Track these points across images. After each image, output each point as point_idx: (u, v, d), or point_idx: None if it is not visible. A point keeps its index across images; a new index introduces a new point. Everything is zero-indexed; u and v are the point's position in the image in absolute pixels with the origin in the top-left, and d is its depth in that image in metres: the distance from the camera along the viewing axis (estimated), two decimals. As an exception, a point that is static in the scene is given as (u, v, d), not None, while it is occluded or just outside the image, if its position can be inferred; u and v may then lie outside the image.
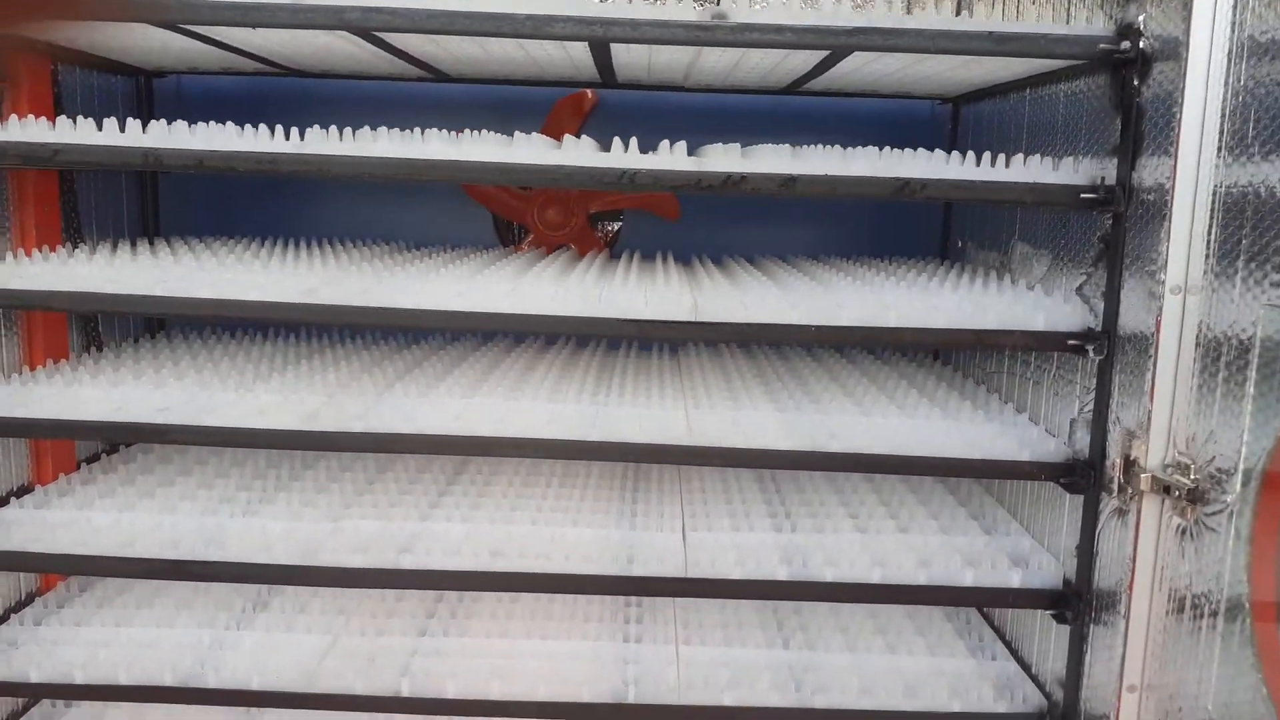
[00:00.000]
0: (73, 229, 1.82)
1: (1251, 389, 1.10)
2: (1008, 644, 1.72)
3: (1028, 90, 1.72)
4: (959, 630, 1.77)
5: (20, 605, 1.73)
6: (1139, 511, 1.25)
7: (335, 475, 1.83)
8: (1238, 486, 1.11)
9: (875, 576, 1.51)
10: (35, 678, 1.50)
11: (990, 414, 1.64)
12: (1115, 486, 1.31)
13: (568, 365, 1.92)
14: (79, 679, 1.49)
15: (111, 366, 1.74)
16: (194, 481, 1.77)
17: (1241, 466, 1.11)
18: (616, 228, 2.30)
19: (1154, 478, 1.22)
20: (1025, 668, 1.64)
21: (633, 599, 1.81)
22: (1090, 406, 1.40)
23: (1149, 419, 1.23)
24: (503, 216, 2.28)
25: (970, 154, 1.45)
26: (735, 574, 1.52)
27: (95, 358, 1.84)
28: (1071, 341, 1.39)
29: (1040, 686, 1.57)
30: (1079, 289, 1.45)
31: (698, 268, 1.96)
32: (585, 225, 2.23)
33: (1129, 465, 1.26)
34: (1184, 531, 1.21)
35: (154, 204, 2.13)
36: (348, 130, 1.47)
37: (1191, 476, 1.18)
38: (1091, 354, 1.37)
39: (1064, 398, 1.53)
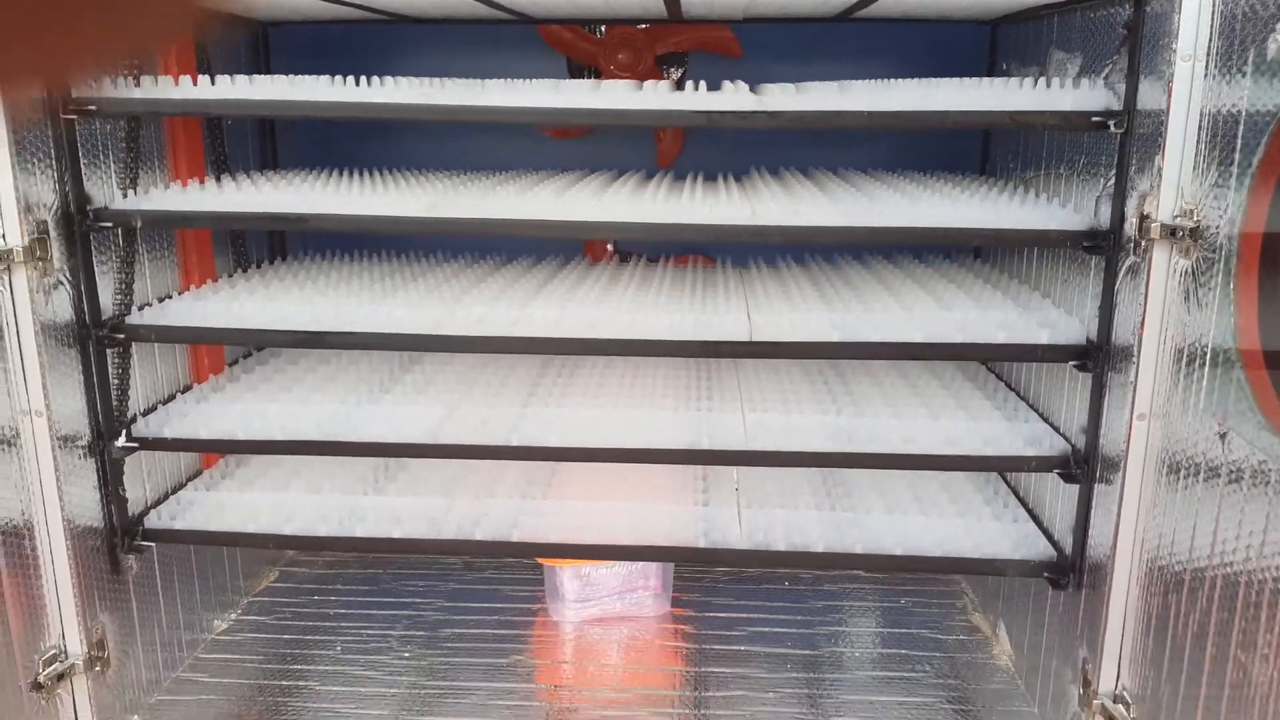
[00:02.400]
0: (220, 163, 2.13)
1: (1237, 155, 1.35)
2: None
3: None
4: (986, 497, 2.05)
5: (190, 478, 2.09)
6: (1150, 259, 1.50)
7: (431, 376, 2.14)
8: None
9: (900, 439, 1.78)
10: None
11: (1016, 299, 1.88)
12: (1131, 245, 1.55)
13: (645, 278, 2.19)
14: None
15: (262, 284, 2.05)
16: (320, 377, 2.10)
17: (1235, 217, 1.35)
18: (681, 74, 2.51)
19: (1162, 225, 1.47)
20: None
21: (702, 469, 2.12)
22: (1111, 183, 1.62)
23: (1160, 178, 1.46)
24: (576, 60, 2.49)
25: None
26: (788, 447, 1.81)
27: (242, 277, 2.15)
28: (1095, 119, 1.58)
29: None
30: (1105, 76, 1.65)
31: (757, 181, 2.20)
32: (653, 67, 2.46)
33: (1143, 221, 1.50)
34: (1187, 274, 1.46)
35: (273, 142, 2.43)
36: (439, 80, 1.74)
37: (1194, 219, 1.44)
38: (1112, 128, 1.57)
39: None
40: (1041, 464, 1.75)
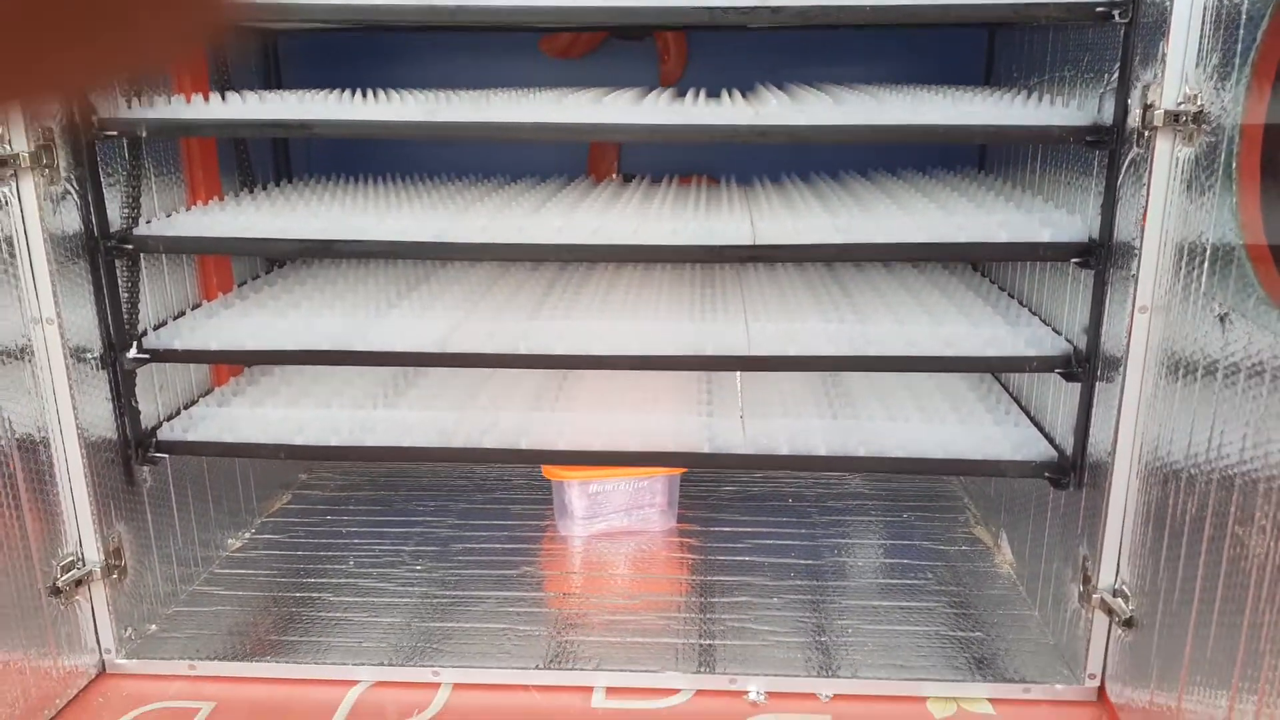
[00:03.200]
0: (224, 83, 2.13)
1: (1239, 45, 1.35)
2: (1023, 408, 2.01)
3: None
4: (987, 405, 2.07)
5: (201, 395, 2.12)
6: (1153, 149, 1.50)
7: (439, 293, 2.15)
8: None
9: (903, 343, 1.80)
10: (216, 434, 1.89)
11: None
12: (1134, 136, 1.55)
13: (649, 194, 2.19)
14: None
15: (268, 201, 2.06)
16: (329, 295, 2.10)
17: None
18: None
19: (1166, 112, 1.48)
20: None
21: (706, 376, 2.14)
22: (1115, 79, 1.61)
23: (1164, 65, 1.47)
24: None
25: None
26: (790, 351, 1.82)
27: (249, 196, 2.16)
28: (1099, 9, 1.58)
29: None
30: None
31: (762, 92, 2.20)
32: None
33: (1146, 111, 1.50)
34: (1190, 163, 1.47)
35: (277, 64, 2.43)
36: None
37: (1197, 104, 1.45)
38: (1117, 18, 1.57)
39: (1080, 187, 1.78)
40: (1043, 364, 1.77)
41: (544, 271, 2.26)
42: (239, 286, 2.20)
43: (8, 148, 1.52)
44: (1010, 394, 2.14)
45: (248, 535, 2.28)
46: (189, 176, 2.03)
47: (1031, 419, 1.99)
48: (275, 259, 2.35)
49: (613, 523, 2.33)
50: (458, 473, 2.61)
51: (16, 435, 1.60)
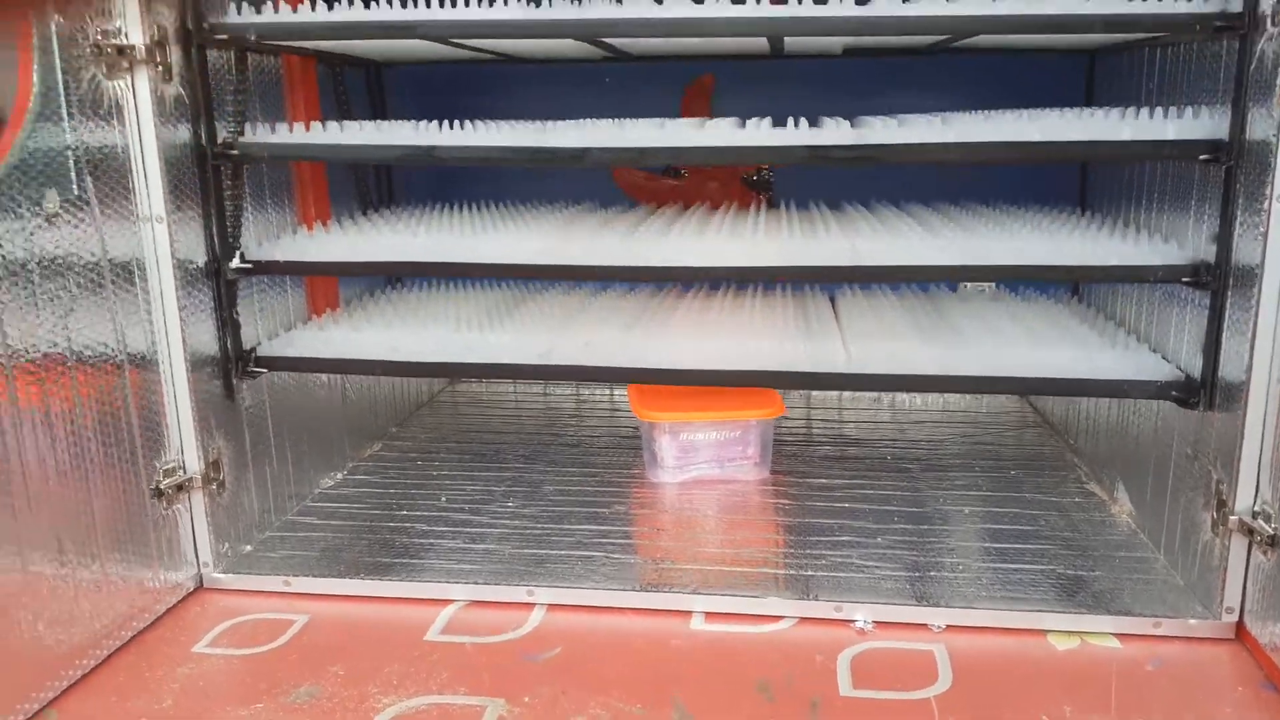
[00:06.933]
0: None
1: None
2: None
3: None
4: (1099, 330, 1.97)
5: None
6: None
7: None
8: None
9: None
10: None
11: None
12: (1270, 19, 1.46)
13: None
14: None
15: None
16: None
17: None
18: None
19: None
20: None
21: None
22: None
23: None
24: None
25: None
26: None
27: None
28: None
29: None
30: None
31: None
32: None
33: None
34: None
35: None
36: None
37: None
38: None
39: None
40: (1169, 273, 1.68)
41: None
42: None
43: (124, 39, 1.55)
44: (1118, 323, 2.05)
45: (340, 475, 2.28)
46: (289, 96, 2.06)
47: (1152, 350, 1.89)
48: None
49: (704, 471, 2.27)
50: (546, 432, 2.59)
51: (126, 339, 1.61)
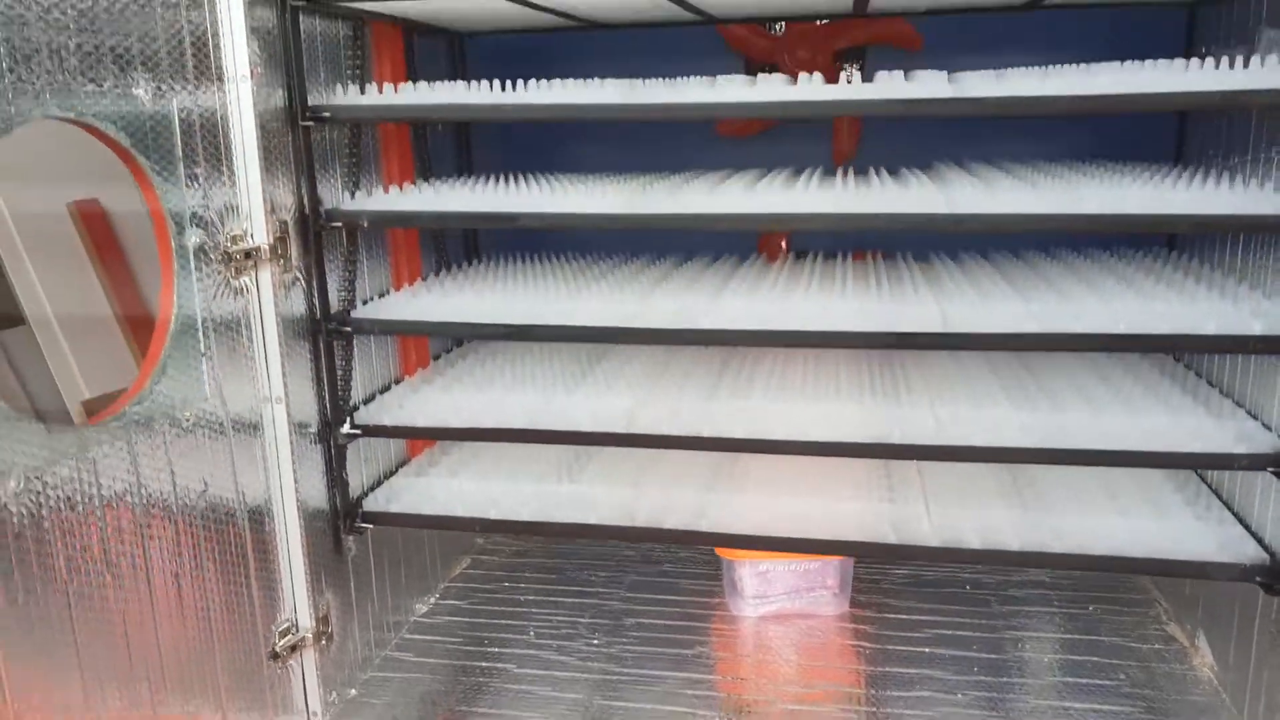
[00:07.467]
0: (425, 168, 2.28)
1: None
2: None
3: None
4: (1186, 498, 1.98)
5: (399, 465, 2.23)
6: None
7: (619, 370, 2.21)
8: None
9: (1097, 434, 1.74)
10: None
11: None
12: None
13: (825, 273, 2.21)
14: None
15: (466, 281, 2.18)
16: (518, 370, 2.21)
17: None
18: (859, 68, 2.54)
19: None
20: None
21: (885, 467, 2.13)
22: None
23: None
24: (753, 59, 2.55)
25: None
26: (979, 441, 1.80)
27: (447, 276, 2.28)
28: None
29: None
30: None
31: (943, 171, 2.20)
32: (830, 63, 2.51)
33: None
34: None
35: (468, 149, 2.58)
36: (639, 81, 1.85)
37: None
38: None
39: None
40: (1253, 461, 1.69)
41: (719, 350, 2.31)
42: (435, 361, 2.33)
43: (251, 241, 1.66)
44: (1209, 487, 2.04)
45: (433, 600, 2.37)
46: (394, 259, 2.17)
47: (1236, 516, 1.90)
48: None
49: (783, 604, 2.32)
50: (626, 545, 2.66)
51: (248, 506, 1.72)
